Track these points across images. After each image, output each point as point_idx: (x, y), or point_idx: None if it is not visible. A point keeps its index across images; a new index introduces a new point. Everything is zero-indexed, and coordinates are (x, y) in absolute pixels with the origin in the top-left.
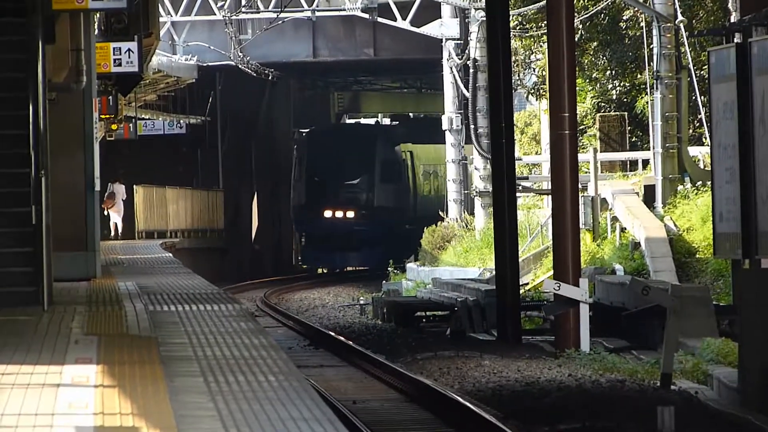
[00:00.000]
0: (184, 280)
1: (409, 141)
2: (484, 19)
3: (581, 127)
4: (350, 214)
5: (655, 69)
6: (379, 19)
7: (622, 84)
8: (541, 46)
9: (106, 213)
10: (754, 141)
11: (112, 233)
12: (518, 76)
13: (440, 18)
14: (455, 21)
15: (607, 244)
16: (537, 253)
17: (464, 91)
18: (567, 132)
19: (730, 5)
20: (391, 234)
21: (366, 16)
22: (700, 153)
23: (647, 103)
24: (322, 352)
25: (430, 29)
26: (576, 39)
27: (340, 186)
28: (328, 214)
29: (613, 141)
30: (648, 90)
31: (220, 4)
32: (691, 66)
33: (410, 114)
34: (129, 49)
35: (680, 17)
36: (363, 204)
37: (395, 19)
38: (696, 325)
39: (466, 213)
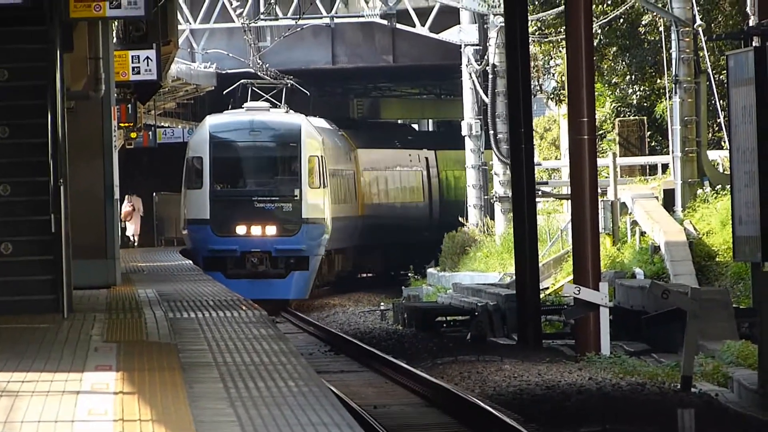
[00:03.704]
0: (203, 287)
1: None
2: (503, 24)
3: (600, 132)
4: (271, 230)
5: (674, 73)
6: (398, 26)
7: (641, 88)
8: (560, 51)
9: (123, 225)
10: None
11: (130, 242)
12: (537, 81)
13: (459, 24)
14: (474, 27)
15: (626, 248)
16: (557, 257)
17: (483, 96)
18: (586, 137)
19: (748, 9)
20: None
21: (385, 22)
22: (719, 157)
23: (666, 107)
24: (342, 357)
25: (449, 35)
26: (595, 44)
27: (256, 194)
28: (240, 231)
29: (632, 145)
30: (667, 94)
31: (238, 11)
32: (710, 70)
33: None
34: (147, 57)
35: (699, 21)
36: (287, 217)
37: (414, 25)
38: (716, 328)
39: (486, 218)
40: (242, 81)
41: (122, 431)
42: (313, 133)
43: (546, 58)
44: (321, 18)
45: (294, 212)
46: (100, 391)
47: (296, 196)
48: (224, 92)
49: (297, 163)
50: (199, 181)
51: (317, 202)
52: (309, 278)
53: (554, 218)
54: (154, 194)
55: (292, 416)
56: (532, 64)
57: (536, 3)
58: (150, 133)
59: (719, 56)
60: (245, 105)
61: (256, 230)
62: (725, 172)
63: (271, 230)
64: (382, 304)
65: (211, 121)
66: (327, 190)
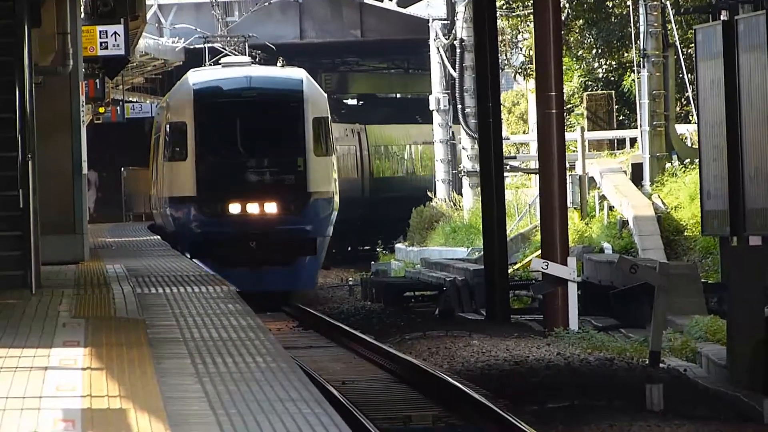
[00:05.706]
0: (171, 263)
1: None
2: None
3: (568, 106)
4: (271, 207)
5: (641, 47)
6: (366, 0)
7: (608, 62)
8: (527, 26)
9: None
10: (742, 118)
11: None
12: (505, 55)
13: None
14: (442, 1)
15: (595, 223)
16: (525, 232)
17: (451, 71)
18: (554, 111)
19: None
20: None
21: None
22: (687, 131)
23: (634, 81)
24: (310, 333)
25: (417, 10)
26: (562, 18)
27: (252, 165)
28: (235, 209)
29: (600, 120)
30: (635, 68)
31: None
32: (677, 44)
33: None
34: (115, 33)
35: None
36: (290, 191)
37: (382, 0)
38: (684, 303)
39: (454, 193)
40: (199, 35)
41: (90, 407)
42: (318, 91)
43: (514, 32)
44: None
45: (298, 185)
46: (68, 367)
47: (300, 165)
48: (178, 48)
49: (300, 126)
50: (182, 152)
51: (324, 173)
52: (317, 264)
53: (522, 193)
54: (123, 169)
55: (260, 392)
56: (499, 38)
57: None
58: (118, 108)
59: (687, 30)
60: (222, 60)
61: (253, 208)
62: (693, 146)
63: (272, 208)
64: (350, 279)
65: (195, 78)
66: (334, 158)
